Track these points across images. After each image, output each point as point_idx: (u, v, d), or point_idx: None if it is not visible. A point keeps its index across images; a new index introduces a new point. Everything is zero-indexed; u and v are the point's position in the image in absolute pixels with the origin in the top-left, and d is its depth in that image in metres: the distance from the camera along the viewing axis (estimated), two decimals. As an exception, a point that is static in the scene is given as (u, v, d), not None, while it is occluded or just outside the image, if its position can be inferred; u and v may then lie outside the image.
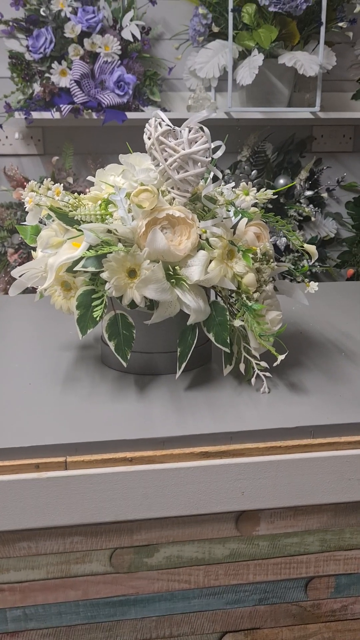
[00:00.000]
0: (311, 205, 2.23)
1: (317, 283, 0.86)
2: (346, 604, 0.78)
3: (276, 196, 0.87)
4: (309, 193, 2.22)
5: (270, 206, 2.15)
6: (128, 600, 0.74)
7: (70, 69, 1.99)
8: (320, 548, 0.75)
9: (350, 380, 0.82)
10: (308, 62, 1.95)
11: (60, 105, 1.99)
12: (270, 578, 0.75)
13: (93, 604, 0.73)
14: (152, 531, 0.71)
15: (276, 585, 0.76)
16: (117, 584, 0.73)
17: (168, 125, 0.76)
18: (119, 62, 2.04)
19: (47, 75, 2.01)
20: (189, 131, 0.75)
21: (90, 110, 2.01)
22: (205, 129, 0.75)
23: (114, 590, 0.73)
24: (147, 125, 0.78)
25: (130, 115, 2.03)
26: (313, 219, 2.24)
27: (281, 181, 2.19)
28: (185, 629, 0.76)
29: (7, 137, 2.19)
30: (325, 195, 2.27)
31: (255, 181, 2.16)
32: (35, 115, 2.01)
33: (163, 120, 0.77)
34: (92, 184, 0.87)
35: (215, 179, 0.83)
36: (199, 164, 0.76)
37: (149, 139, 0.77)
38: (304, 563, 0.75)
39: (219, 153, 0.79)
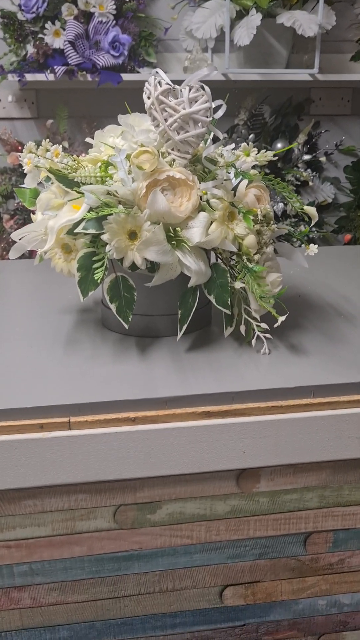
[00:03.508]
0: (309, 170, 2.21)
1: (316, 245, 0.86)
2: (343, 557, 0.80)
3: (276, 158, 0.87)
4: (306, 157, 2.20)
5: (267, 171, 2.13)
6: (132, 555, 0.76)
7: (64, 30, 1.94)
8: (319, 504, 0.77)
9: (349, 342, 0.83)
10: (307, 21, 1.91)
11: (54, 67, 1.95)
12: (270, 533, 0.77)
13: (98, 559, 0.75)
14: (155, 489, 0.72)
15: (276, 541, 0.78)
16: (121, 540, 0.74)
17: (168, 84, 0.75)
18: (114, 22, 1.99)
19: (40, 35, 1.96)
20: (190, 90, 0.74)
21: (84, 72, 1.98)
22: (206, 87, 0.74)
23: (118, 545, 0.75)
24: (146, 84, 0.77)
25: (125, 77, 1.99)
26: (310, 183, 2.22)
27: (279, 145, 2.17)
28: (188, 582, 0.78)
29: (0, 100, 2.15)
30: (323, 159, 2.25)
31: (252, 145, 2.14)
32: (29, 77, 1.97)
33: (163, 79, 0.75)
34: (88, 147, 0.86)
35: (215, 139, 0.82)
36: (200, 124, 0.75)
37: (149, 98, 0.76)
38: (303, 519, 0.77)
39: (220, 113, 0.78)
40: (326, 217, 2.33)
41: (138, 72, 2.06)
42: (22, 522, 0.72)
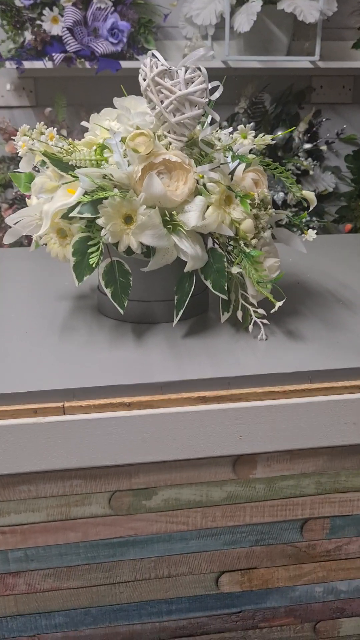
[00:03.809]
0: (309, 159, 2.20)
1: (315, 230, 0.85)
2: (340, 544, 0.80)
3: (274, 142, 0.86)
4: (307, 146, 2.18)
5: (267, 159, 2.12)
6: (127, 541, 0.75)
7: (62, 16, 1.92)
8: (316, 491, 0.76)
9: (347, 328, 0.82)
10: (308, 7, 1.89)
11: (53, 54, 1.93)
12: (266, 520, 0.77)
13: (93, 545, 0.75)
14: (151, 474, 0.72)
15: (272, 527, 0.78)
16: (117, 526, 0.74)
17: (164, 66, 0.74)
18: (113, 8, 1.97)
19: (38, 22, 1.94)
20: (186, 71, 0.73)
21: (83, 59, 1.96)
22: (202, 68, 0.73)
23: (113, 531, 0.74)
24: (142, 65, 0.75)
25: (124, 64, 1.97)
26: (311, 172, 2.21)
27: (279, 133, 2.15)
28: (183, 569, 0.78)
29: (-2, 88, 2.13)
30: (324, 148, 2.23)
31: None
32: (27, 64, 1.95)
33: (159, 60, 0.74)
34: (86, 132, 0.85)
35: (212, 122, 0.81)
36: (196, 105, 0.74)
37: (145, 80, 0.75)
38: (300, 505, 0.77)
39: (217, 94, 0.77)
40: (327, 207, 2.31)
41: (137, 60, 2.04)
42: (17, 508, 0.72)
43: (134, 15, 2.01)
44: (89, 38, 1.96)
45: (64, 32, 1.92)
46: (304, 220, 0.89)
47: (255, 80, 2.17)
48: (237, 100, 2.16)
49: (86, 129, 0.86)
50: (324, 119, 2.26)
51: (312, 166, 2.19)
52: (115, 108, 0.84)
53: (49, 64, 1.95)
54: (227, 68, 2.05)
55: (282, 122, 2.19)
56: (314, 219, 2.22)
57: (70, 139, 0.82)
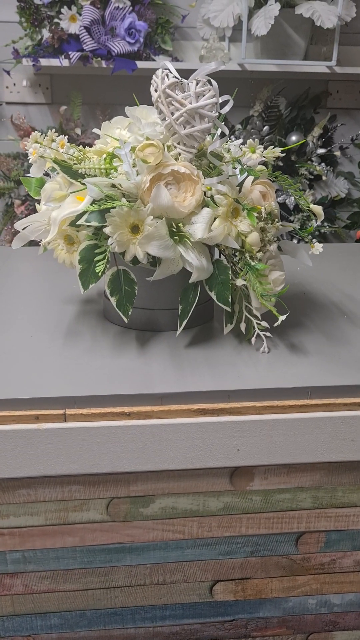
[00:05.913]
0: (323, 164, 2.19)
1: (322, 244, 0.85)
2: (335, 558, 0.80)
3: (285, 154, 0.86)
4: (321, 151, 2.18)
5: (281, 164, 2.12)
6: (124, 547, 0.76)
7: (80, 15, 1.93)
8: (312, 505, 0.77)
9: (351, 343, 0.83)
10: (326, 13, 1.88)
11: (69, 53, 1.94)
12: (262, 532, 0.77)
13: (90, 550, 0.76)
14: (149, 483, 0.73)
15: (268, 539, 0.78)
16: (113, 532, 0.75)
17: (175, 77, 0.74)
18: (131, 8, 1.97)
19: (56, 20, 1.95)
20: (197, 84, 0.73)
21: (99, 59, 1.96)
22: (213, 82, 0.73)
23: (110, 538, 0.75)
24: (154, 76, 0.76)
25: (140, 64, 1.98)
26: (324, 177, 2.20)
27: (293, 138, 2.15)
28: (178, 576, 0.79)
29: (14, 84, 2.14)
30: (338, 153, 2.22)
31: (266, 137, 2.12)
32: (44, 62, 1.96)
33: (170, 72, 0.75)
34: (98, 136, 0.86)
35: (222, 135, 0.81)
36: (206, 119, 0.75)
37: (156, 91, 0.76)
38: (296, 518, 0.77)
39: (227, 108, 0.77)
40: (339, 213, 2.31)
41: (153, 60, 2.04)
42: (16, 511, 0.73)
43: (151, 16, 2.01)
44: (106, 37, 1.97)
45: (81, 31, 1.93)
46: (313, 227, 0.89)
47: (271, 83, 2.17)
48: (252, 103, 2.16)
49: (98, 135, 0.87)
50: (339, 124, 2.25)
51: (325, 171, 2.18)
52: (127, 116, 0.85)
53: (66, 62, 1.96)
54: (243, 70, 2.04)
55: (296, 126, 2.19)
56: (326, 224, 2.22)
57: (81, 146, 0.83)
